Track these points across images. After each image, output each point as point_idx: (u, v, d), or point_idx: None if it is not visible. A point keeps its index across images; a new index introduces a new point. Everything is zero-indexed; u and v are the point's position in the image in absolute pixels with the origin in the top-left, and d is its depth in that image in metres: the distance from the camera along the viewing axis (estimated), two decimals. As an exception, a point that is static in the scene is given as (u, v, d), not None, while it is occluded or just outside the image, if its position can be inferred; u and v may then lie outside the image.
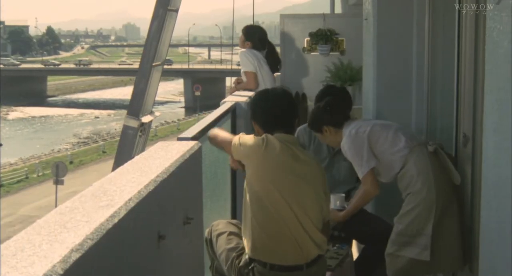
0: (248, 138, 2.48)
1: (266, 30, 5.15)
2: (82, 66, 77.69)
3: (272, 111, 2.53)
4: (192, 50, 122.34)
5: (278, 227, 2.40)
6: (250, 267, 2.43)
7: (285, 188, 2.40)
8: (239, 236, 2.62)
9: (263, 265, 2.40)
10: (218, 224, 2.72)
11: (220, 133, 2.67)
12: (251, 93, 4.23)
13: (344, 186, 3.54)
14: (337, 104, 3.26)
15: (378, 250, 3.22)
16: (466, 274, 3.08)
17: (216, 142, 2.65)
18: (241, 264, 2.47)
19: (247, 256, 2.45)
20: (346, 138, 3.09)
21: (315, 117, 3.26)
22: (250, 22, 5.98)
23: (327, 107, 3.22)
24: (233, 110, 3.66)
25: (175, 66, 65.14)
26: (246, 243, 2.48)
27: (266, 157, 2.41)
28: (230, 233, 2.65)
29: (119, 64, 78.21)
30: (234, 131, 3.50)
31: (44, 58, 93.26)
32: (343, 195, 3.33)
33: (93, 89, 76.49)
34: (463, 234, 2.95)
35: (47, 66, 76.09)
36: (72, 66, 76.96)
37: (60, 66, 76.50)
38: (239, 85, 4.80)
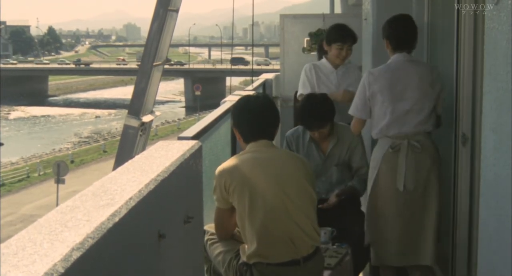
0: (217, 193, 2.50)
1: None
2: (82, 66, 77.70)
3: (253, 121, 2.55)
4: (192, 50, 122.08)
5: (271, 231, 2.43)
6: (248, 265, 2.46)
7: (272, 190, 2.43)
8: (232, 238, 2.65)
9: (260, 263, 2.44)
10: (209, 227, 2.73)
11: None
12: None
13: (338, 187, 3.48)
14: None
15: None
16: (465, 273, 3.09)
17: None
18: (239, 262, 2.50)
19: (245, 258, 2.48)
20: None
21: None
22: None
23: None
24: (233, 110, 3.66)
25: (175, 65, 65.12)
26: (241, 250, 2.52)
27: (241, 181, 2.43)
28: None
29: (117, 64, 78.60)
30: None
31: (45, 58, 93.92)
32: (330, 229, 3.11)
33: (94, 89, 76.48)
34: None
35: (38, 65, 76.16)
36: (72, 65, 76.93)
37: (48, 65, 76.45)
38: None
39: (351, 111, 3.27)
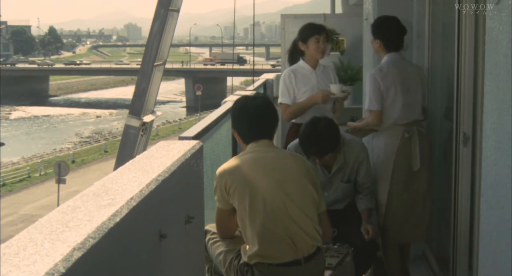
0: (218, 194, 2.50)
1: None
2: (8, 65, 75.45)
3: (252, 123, 2.55)
4: (193, 50, 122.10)
5: (272, 232, 2.43)
6: (249, 265, 2.46)
7: (272, 190, 2.43)
8: (235, 236, 2.65)
9: (261, 264, 2.44)
10: (211, 227, 2.74)
11: None
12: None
13: (342, 203, 3.42)
14: None
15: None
16: (466, 273, 3.09)
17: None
18: (240, 262, 2.50)
19: (246, 258, 2.48)
20: None
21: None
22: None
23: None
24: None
25: (176, 65, 65.03)
26: (242, 250, 2.52)
27: (242, 181, 2.43)
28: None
29: (116, 63, 78.27)
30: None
31: (41, 58, 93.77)
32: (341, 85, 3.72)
33: (95, 89, 76.57)
34: None
35: (41, 66, 75.30)
36: (72, 66, 76.69)
37: (54, 66, 75.76)
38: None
39: (370, 106, 3.43)
